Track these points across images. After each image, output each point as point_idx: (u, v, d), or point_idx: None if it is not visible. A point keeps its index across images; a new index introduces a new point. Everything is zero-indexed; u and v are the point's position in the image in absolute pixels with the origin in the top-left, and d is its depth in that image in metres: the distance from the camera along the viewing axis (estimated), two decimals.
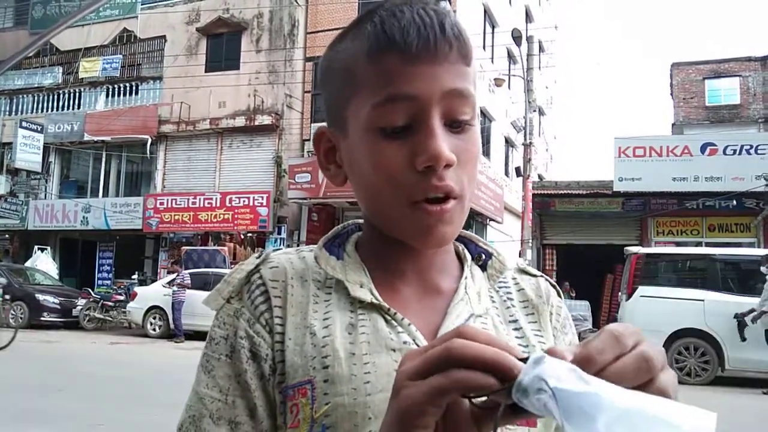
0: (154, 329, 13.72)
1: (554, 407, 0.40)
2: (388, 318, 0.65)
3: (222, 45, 18.88)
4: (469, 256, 0.75)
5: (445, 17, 0.63)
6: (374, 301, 0.66)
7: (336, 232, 0.75)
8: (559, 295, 0.78)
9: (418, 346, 0.63)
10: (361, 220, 0.76)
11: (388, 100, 0.61)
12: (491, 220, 18.35)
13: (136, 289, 15.20)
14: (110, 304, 15.25)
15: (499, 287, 0.74)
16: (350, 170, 0.69)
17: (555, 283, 0.78)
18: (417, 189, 0.62)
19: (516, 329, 0.70)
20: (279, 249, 0.74)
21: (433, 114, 0.61)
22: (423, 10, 0.63)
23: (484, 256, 0.76)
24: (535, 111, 17.60)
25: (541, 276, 0.78)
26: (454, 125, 0.63)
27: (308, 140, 17.29)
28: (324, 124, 0.73)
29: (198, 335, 13.22)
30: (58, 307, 14.78)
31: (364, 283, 0.67)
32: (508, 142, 22.44)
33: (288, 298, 0.67)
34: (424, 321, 0.66)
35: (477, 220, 17.41)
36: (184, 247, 16.91)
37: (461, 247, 0.76)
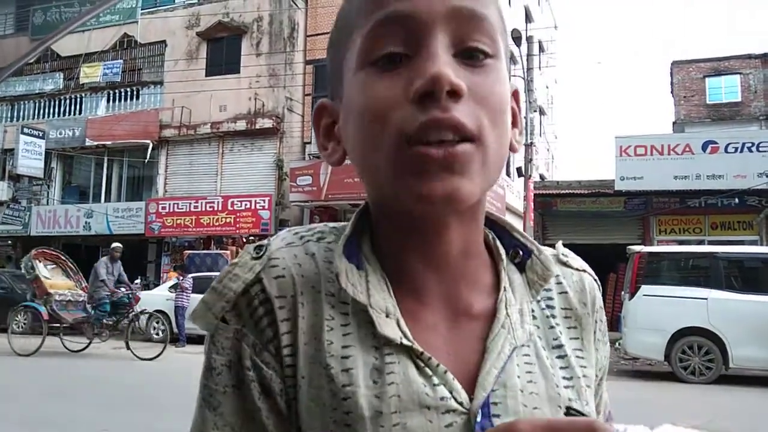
0: (158, 334, 13.72)
1: None
2: (421, 364, 0.51)
3: (222, 49, 18.90)
4: (503, 252, 0.60)
5: None
6: (405, 342, 0.52)
7: (354, 226, 0.58)
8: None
9: (456, 400, 0.51)
10: None
11: (378, 25, 0.50)
12: None
13: (139, 293, 15.19)
14: None
15: (541, 295, 0.60)
16: (345, 135, 0.56)
17: (597, 278, 0.65)
18: (412, 122, 0.48)
19: (560, 357, 0.57)
20: (281, 235, 0.59)
21: (434, 35, 0.49)
22: None
23: (521, 253, 0.60)
24: (535, 111, 17.58)
25: (584, 270, 0.64)
26: (467, 55, 0.50)
27: (309, 143, 17.30)
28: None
29: (201, 339, 13.20)
30: None
31: (390, 312, 0.53)
32: None
33: (298, 322, 0.53)
34: (458, 362, 0.53)
35: None
36: (186, 251, 16.92)
37: (491, 235, 0.61)
